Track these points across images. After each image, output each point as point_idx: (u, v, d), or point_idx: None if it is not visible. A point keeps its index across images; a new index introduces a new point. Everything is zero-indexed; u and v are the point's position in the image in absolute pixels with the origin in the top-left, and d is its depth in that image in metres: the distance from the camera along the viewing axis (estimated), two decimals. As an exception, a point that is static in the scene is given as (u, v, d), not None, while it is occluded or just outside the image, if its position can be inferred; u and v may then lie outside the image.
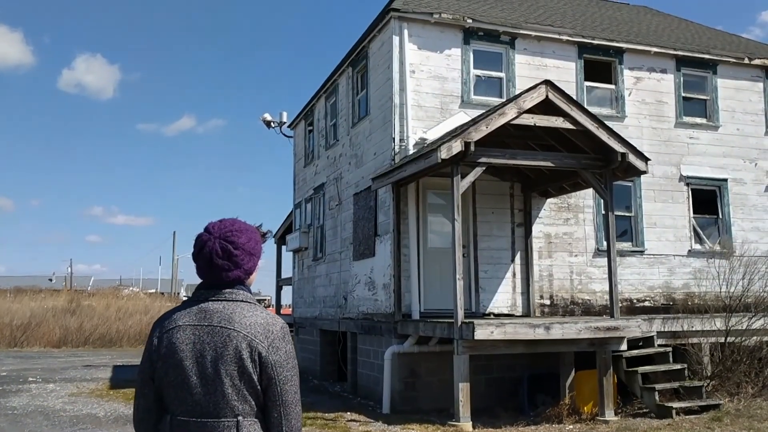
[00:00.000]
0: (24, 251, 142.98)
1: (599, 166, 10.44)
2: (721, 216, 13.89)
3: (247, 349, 2.17)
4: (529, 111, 9.90)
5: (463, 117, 11.82)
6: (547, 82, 10.03)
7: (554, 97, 9.94)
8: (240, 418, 2.17)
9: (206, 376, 2.16)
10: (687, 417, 9.80)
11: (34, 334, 25.60)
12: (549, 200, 12.68)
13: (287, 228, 20.70)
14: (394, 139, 11.77)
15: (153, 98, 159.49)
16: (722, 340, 11.60)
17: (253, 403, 2.19)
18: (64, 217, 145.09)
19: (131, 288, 54.89)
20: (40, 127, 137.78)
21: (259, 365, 2.18)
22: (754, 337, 11.66)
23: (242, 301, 2.27)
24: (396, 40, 11.95)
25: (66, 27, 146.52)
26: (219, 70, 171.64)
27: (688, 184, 13.64)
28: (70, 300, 30.99)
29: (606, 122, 10.56)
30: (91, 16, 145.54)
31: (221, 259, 2.26)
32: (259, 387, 2.19)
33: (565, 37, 12.98)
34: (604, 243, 11.56)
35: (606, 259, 10.71)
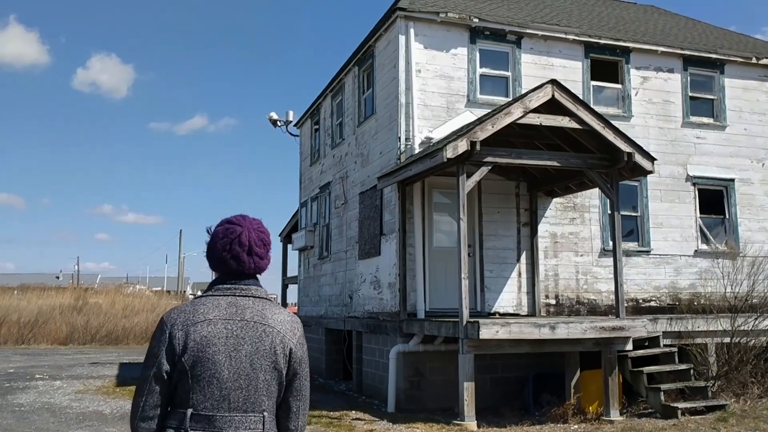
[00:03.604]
0: (34, 249, 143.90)
1: (605, 165, 10.42)
2: (727, 216, 13.85)
3: (281, 344, 2.24)
4: (535, 110, 9.89)
5: (469, 116, 11.82)
6: (554, 82, 10.02)
7: (560, 97, 9.93)
8: (266, 413, 2.22)
9: (240, 371, 2.18)
10: (692, 417, 9.77)
11: (41, 332, 25.71)
12: (555, 200, 12.66)
13: (293, 227, 20.74)
14: (399, 138, 11.78)
15: (166, 97, 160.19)
16: (728, 340, 11.57)
17: (275, 398, 2.26)
18: (74, 215, 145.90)
19: (137, 286, 55.04)
20: (53, 126, 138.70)
21: (288, 360, 2.26)
22: (760, 338, 11.62)
23: (265, 298, 2.34)
24: (402, 39, 11.95)
25: (82, 27, 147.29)
26: (231, 70, 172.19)
27: (694, 184, 13.61)
28: (76, 297, 31.10)
29: (612, 122, 10.54)
30: (107, 16, 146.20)
31: (259, 248, 2.34)
32: (283, 382, 2.27)
33: (571, 37, 12.96)
34: (610, 243, 11.55)
35: (612, 258, 10.69)
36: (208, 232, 2.43)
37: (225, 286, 2.30)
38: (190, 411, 2.16)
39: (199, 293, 2.73)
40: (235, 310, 2.24)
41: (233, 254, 2.30)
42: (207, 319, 2.20)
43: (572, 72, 12.93)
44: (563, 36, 12.91)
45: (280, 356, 2.23)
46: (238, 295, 2.28)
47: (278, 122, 20.73)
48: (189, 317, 2.22)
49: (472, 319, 9.45)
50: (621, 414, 9.98)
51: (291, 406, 2.29)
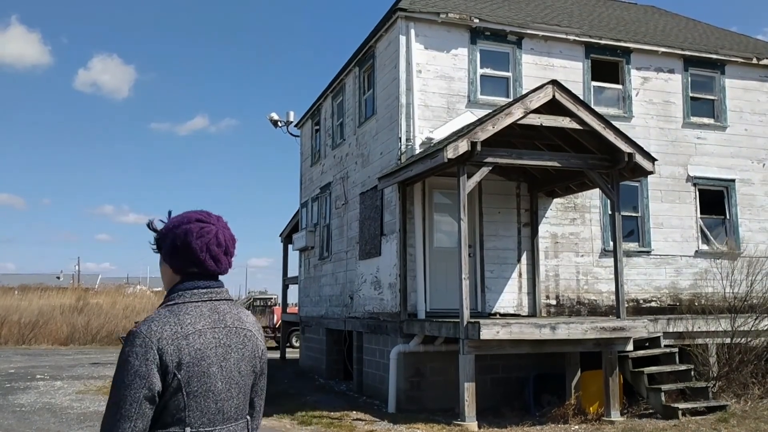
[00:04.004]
0: (35, 249, 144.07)
1: (606, 166, 10.43)
2: (728, 216, 13.85)
3: (257, 348, 2.21)
4: (536, 111, 9.90)
5: (469, 117, 11.83)
6: (554, 82, 10.02)
7: (561, 97, 9.93)
8: (248, 417, 2.20)
9: (231, 380, 2.11)
10: (693, 418, 9.77)
11: (41, 332, 25.74)
12: (555, 200, 12.66)
13: (294, 227, 20.74)
14: (400, 138, 11.78)
15: (167, 98, 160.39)
16: (728, 340, 11.57)
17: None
18: (75, 215, 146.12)
19: (138, 286, 55.03)
20: (54, 127, 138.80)
21: (260, 362, 2.24)
22: (761, 338, 11.62)
23: (232, 300, 2.26)
24: (403, 39, 11.96)
25: (83, 28, 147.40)
26: (232, 70, 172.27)
27: (695, 185, 13.61)
28: (77, 298, 31.13)
29: (613, 122, 10.54)
30: (109, 17, 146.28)
31: (233, 248, 2.25)
32: (255, 384, 2.24)
33: (572, 37, 12.96)
34: (611, 243, 11.55)
35: (612, 259, 10.69)
36: (151, 227, 2.24)
37: (201, 290, 2.15)
38: (188, 430, 2.03)
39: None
40: (218, 316, 2.13)
41: (212, 254, 2.16)
42: (197, 330, 2.05)
43: (573, 72, 12.93)
44: (564, 36, 12.91)
45: (257, 359, 2.20)
46: (215, 300, 2.16)
47: (279, 123, 20.76)
48: (177, 329, 2.03)
49: (472, 320, 9.45)
50: (622, 414, 9.98)
51: (255, 405, 2.26)
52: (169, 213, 2.27)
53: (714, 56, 14.00)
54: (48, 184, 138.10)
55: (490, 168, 10.04)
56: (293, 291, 22.36)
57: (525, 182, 12.47)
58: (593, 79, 13.19)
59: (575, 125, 10.09)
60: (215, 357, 2.07)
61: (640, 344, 10.80)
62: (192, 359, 2.02)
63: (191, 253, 2.15)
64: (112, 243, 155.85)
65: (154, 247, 2.25)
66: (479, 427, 9.31)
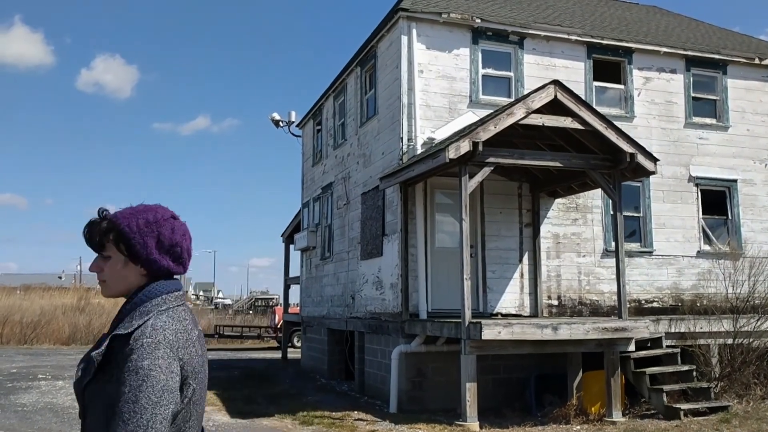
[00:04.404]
0: (36, 249, 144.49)
1: (608, 166, 10.42)
2: (730, 217, 13.83)
3: None
4: (538, 111, 9.89)
5: (471, 117, 11.82)
6: (556, 82, 10.01)
7: (563, 97, 9.92)
8: None
9: (204, 384, 1.99)
10: (695, 418, 9.76)
11: (43, 332, 25.78)
12: (557, 200, 12.65)
13: (295, 227, 20.74)
14: (402, 138, 11.78)
15: (169, 98, 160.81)
16: (731, 341, 11.56)
17: None
18: (76, 215, 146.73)
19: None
20: (57, 127, 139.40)
21: None
22: (763, 339, 11.61)
23: None
24: (404, 39, 11.96)
25: (86, 28, 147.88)
26: (234, 70, 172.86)
27: (697, 185, 13.59)
28: (79, 298, 31.18)
29: (615, 122, 10.53)
30: (112, 17, 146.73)
31: None
32: None
33: (574, 37, 12.95)
34: (613, 243, 11.54)
35: (614, 259, 10.68)
36: (108, 222, 1.97)
37: (179, 293, 1.99)
38: None
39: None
40: (195, 319, 2.02)
41: (190, 254, 2.04)
42: (196, 336, 1.95)
43: (575, 72, 12.92)
44: (566, 36, 12.90)
45: None
46: (185, 302, 2.03)
47: (280, 123, 20.78)
48: (186, 337, 1.90)
49: (474, 320, 9.44)
50: (623, 415, 9.97)
51: None
52: (100, 210, 2.00)
53: (716, 56, 13.98)
54: (50, 184, 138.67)
55: (492, 168, 10.03)
56: (295, 291, 22.36)
57: (527, 182, 12.46)
58: (595, 79, 13.17)
59: (577, 125, 10.09)
60: (202, 363, 1.96)
61: (642, 345, 10.79)
62: (199, 367, 1.92)
63: (176, 249, 1.98)
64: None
65: (112, 243, 1.96)
66: (481, 428, 9.31)
